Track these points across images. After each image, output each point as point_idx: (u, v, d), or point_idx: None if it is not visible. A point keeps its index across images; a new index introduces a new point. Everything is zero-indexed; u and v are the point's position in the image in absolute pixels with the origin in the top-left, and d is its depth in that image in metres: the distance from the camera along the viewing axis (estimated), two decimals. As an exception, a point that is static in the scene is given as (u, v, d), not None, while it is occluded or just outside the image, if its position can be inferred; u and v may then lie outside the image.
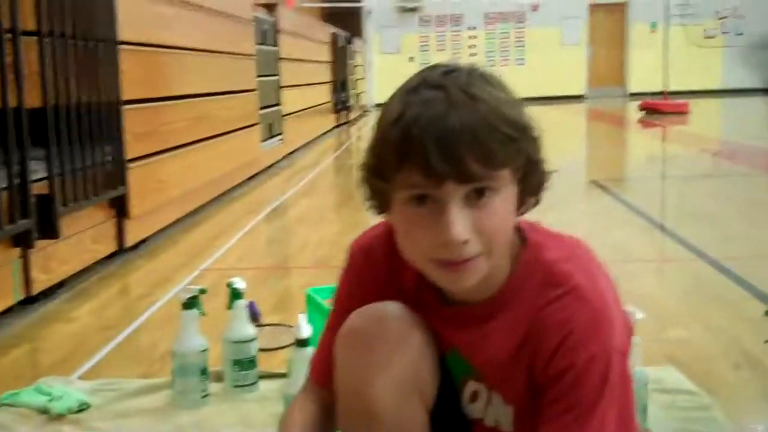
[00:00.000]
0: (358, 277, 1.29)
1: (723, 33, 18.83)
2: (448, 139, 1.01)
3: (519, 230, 1.17)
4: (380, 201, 1.13)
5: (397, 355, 1.17)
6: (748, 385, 2.02)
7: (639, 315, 1.54)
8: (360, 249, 1.29)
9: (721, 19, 18.83)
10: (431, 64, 1.14)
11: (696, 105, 13.10)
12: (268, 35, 7.31)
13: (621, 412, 1.10)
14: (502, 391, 1.20)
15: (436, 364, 1.22)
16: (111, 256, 3.60)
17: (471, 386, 1.24)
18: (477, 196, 1.05)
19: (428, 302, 1.21)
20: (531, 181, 1.11)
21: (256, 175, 6.51)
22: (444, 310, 1.20)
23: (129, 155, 3.73)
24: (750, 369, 2.11)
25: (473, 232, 1.04)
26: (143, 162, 3.93)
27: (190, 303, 1.97)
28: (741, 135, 9.35)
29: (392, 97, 1.10)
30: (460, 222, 1.03)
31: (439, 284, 1.14)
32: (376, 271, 1.27)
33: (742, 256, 3.35)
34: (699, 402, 1.88)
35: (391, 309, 1.21)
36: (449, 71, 1.08)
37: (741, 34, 18.62)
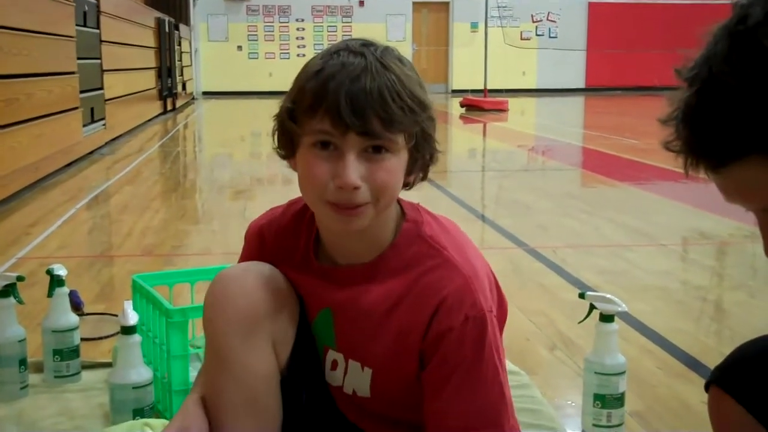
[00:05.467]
0: (251, 254, 1.39)
1: (538, 35, 19.79)
2: (358, 96, 1.15)
3: (402, 209, 1.30)
4: (289, 144, 1.25)
5: (249, 300, 1.26)
6: (563, 365, 2.14)
7: (621, 307, 1.65)
8: (254, 228, 1.41)
9: (536, 22, 19.78)
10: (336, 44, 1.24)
11: (512, 103, 13.68)
12: (89, 17, 7.02)
13: (500, 360, 1.24)
14: (361, 357, 1.29)
15: (294, 320, 1.31)
16: None
17: (331, 355, 1.33)
18: (374, 152, 1.18)
19: (315, 264, 1.32)
20: (422, 153, 1.24)
21: (76, 161, 6.24)
22: (329, 269, 1.30)
23: (-65, 136, 3.50)
24: (565, 349, 2.24)
25: (364, 181, 1.18)
26: (-49, 144, 3.69)
27: (6, 291, 1.87)
28: (553, 132, 9.86)
29: (314, 58, 1.23)
30: (354, 170, 1.17)
31: (331, 226, 1.25)
32: (266, 247, 1.38)
33: (556, 245, 3.54)
34: (518, 381, 1.97)
35: (258, 265, 1.33)
36: (369, 44, 1.22)
37: (555, 37, 19.63)
